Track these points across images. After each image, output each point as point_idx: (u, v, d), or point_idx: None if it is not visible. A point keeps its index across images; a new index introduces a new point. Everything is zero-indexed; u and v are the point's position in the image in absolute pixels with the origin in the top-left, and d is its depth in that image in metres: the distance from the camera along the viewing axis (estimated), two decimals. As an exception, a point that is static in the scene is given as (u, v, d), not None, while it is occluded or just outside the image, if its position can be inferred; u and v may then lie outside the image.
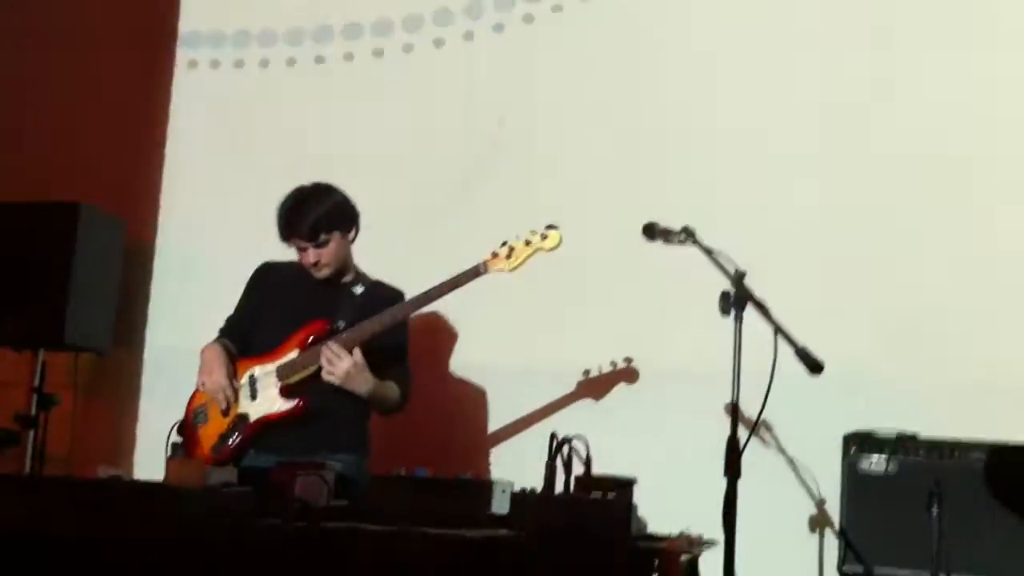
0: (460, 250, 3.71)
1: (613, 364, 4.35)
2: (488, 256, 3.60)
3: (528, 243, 3.59)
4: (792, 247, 4.41)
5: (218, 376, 3.69)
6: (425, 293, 3.62)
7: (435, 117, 4.97)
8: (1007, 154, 4.34)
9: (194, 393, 3.81)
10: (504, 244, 3.60)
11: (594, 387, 4.40)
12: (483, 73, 4.99)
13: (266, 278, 3.93)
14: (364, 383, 3.61)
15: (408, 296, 3.75)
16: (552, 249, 3.59)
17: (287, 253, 3.84)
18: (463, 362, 4.73)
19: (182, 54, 5.37)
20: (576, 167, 4.74)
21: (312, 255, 3.72)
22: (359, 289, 3.83)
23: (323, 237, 3.70)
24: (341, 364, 3.56)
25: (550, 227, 3.59)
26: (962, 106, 4.38)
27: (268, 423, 3.68)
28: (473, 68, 5.01)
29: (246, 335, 3.85)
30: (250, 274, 3.96)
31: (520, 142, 4.86)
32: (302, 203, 3.71)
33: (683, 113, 4.66)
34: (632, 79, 4.76)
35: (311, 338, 3.66)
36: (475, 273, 3.59)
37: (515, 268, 3.59)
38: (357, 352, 3.57)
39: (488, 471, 4.45)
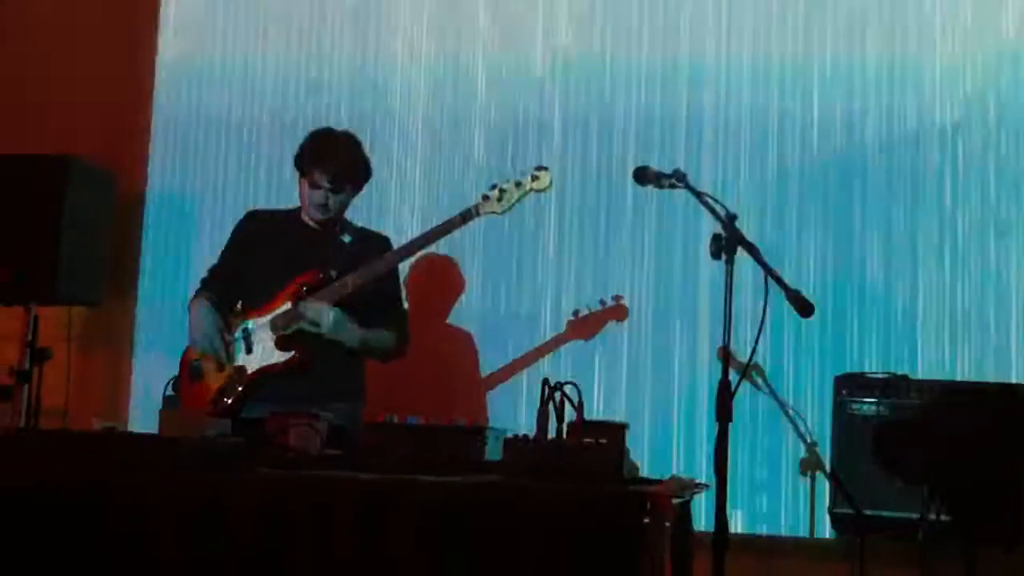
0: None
1: (602, 303, 4.35)
2: (479, 199, 3.58)
3: (519, 185, 3.56)
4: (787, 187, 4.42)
5: (208, 331, 3.66)
6: (422, 236, 3.60)
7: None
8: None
9: (187, 348, 3.78)
10: (494, 187, 3.57)
11: (584, 327, 4.40)
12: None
13: (252, 228, 3.87)
14: (351, 335, 3.61)
15: (396, 241, 3.73)
16: (543, 190, 3.58)
17: (276, 203, 3.82)
18: (455, 309, 4.74)
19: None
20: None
21: (321, 195, 3.66)
22: (347, 238, 3.78)
23: (345, 185, 3.67)
24: (325, 317, 3.56)
25: (540, 168, 3.58)
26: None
27: (265, 375, 3.66)
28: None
29: (232, 285, 3.79)
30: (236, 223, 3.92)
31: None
32: (337, 144, 3.67)
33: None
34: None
35: (304, 288, 3.63)
36: (467, 217, 3.57)
37: (507, 211, 3.58)
38: (335, 309, 3.56)
39: (484, 417, 4.46)
